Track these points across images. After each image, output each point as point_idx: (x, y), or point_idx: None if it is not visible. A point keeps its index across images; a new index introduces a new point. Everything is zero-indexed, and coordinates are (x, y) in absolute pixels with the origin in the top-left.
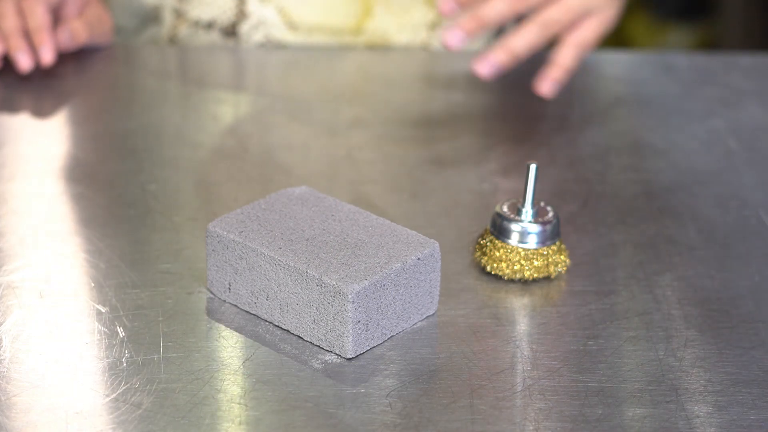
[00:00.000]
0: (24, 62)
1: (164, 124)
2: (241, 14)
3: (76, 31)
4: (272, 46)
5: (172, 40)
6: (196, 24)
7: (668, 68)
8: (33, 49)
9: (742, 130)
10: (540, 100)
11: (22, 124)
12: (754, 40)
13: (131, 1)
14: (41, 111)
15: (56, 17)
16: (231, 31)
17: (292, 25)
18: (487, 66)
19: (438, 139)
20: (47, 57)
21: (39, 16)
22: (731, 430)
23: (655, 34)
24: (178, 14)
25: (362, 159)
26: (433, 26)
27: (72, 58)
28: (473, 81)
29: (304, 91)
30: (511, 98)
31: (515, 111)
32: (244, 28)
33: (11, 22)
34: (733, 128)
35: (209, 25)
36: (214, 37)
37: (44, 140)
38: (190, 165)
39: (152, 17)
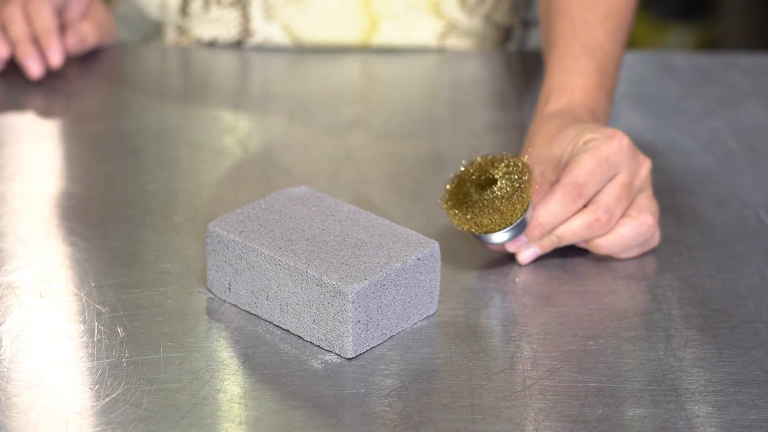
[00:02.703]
0: (34, 69)
1: (164, 124)
2: (246, 32)
3: (86, 34)
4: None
5: None
6: (199, 41)
7: (668, 68)
8: (41, 53)
9: (742, 130)
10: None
11: (23, 124)
12: (754, 40)
13: (134, 16)
14: (42, 111)
15: (61, 18)
16: (235, 49)
17: (297, 42)
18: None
19: (438, 139)
20: (55, 59)
21: (46, 19)
22: (731, 430)
23: (655, 34)
24: (181, 31)
25: (362, 159)
26: (442, 37)
27: (74, 58)
28: (474, 81)
29: (305, 92)
30: (511, 98)
31: (516, 111)
32: (249, 45)
33: (19, 29)
34: (733, 128)
35: (212, 43)
36: None
37: (44, 140)
38: (190, 165)
39: (154, 33)
